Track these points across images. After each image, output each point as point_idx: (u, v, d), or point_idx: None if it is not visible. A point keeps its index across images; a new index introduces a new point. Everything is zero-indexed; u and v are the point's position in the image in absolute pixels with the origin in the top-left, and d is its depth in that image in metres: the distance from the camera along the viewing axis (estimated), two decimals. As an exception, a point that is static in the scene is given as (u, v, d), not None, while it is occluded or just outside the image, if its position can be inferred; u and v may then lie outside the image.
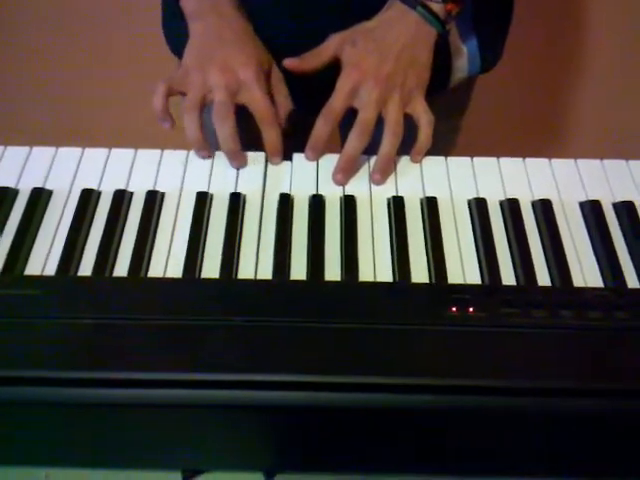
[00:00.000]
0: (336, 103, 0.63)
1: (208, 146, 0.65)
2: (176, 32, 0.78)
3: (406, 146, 0.65)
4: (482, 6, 0.74)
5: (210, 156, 0.65)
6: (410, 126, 0.65)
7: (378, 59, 0.64)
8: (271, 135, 0.65)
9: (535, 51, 1.32)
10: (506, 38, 0.81)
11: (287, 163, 0.65)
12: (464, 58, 0.76)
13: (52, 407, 0.45)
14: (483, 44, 0.76)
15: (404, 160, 0.66)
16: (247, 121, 0.65)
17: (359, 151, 0.63)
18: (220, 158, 0.65)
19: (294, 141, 0.67)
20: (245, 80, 0.64)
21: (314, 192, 0.62)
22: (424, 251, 0.57)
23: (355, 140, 0.63)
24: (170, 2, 0.79)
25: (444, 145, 0.87)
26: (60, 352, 0.47)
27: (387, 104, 0.63)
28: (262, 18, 0.71)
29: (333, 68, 0.66)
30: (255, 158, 0.65)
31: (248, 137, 0.65)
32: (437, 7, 0.65)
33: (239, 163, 0.64)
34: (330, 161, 0.65)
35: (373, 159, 0.65)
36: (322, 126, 0.64)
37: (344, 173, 0.63)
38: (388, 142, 0.63)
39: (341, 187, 0.63)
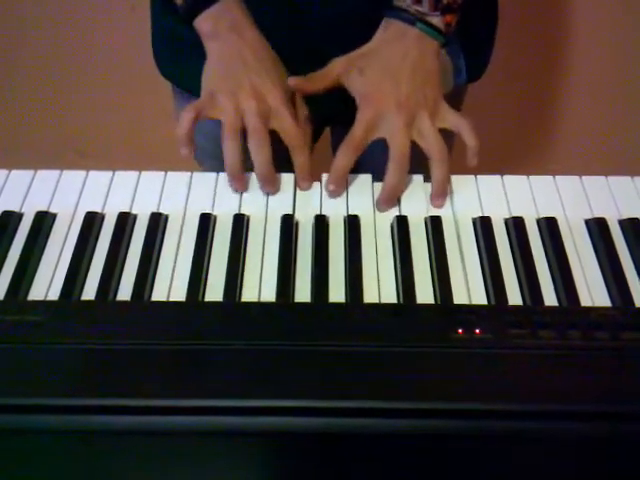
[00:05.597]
0: (357, 132, 0.62)
1: (244, 177, 0.63)
2: (168, 58, 0.79)
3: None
4: (466, 16, 0.73)
5: (243, 190, 0.63)
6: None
7: (392, 83, 0.62)
8: (301, 160, 0.64)
9: (530, 57, 1.31)
10: (492, 46, 0.80)
11: (291, 185, 0.65)
12: (449, 69, 0.75)
13: (54, 435, 0.44)
14: (468, 54, 0.75)
15: (407, 179, 0.65)
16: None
17: (402, 184, 0.62)
18: (223, 179, 0.65)
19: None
20: (274, 107, 0.64)
21: (317, 212, 0.62)
22: (429, 271, 0.57)
23: (393, 175, 0.61)
24: (159, 28, 0.79)
25: None
26: (63, 379, 0.46)
27: (419, 126, 0.62)
28: (262, 33, 0.70)
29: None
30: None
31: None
32: (436, 20, 0.64)
33: (272, 188, 0.64)
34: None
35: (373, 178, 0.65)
36: (343, 157, 0.62)
37: (387, 205, 0.62)
38: (436, 167, 0.62)
39: (345, 207, 0.63)
